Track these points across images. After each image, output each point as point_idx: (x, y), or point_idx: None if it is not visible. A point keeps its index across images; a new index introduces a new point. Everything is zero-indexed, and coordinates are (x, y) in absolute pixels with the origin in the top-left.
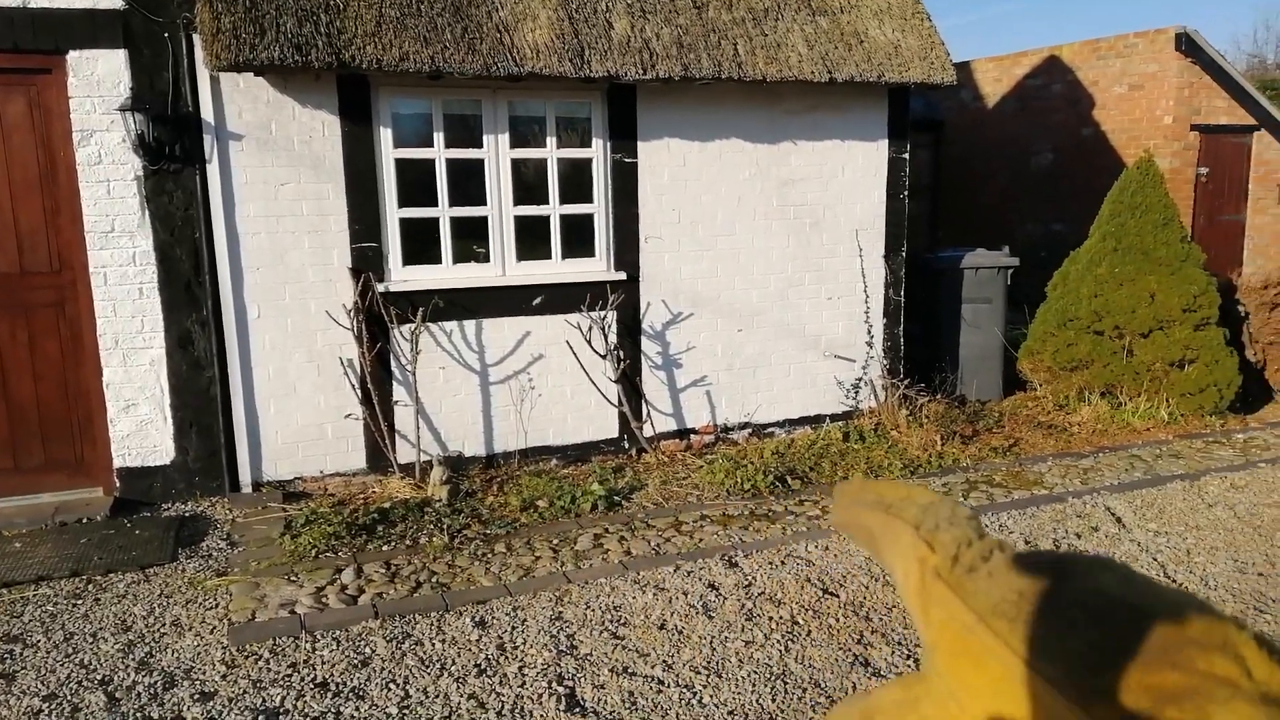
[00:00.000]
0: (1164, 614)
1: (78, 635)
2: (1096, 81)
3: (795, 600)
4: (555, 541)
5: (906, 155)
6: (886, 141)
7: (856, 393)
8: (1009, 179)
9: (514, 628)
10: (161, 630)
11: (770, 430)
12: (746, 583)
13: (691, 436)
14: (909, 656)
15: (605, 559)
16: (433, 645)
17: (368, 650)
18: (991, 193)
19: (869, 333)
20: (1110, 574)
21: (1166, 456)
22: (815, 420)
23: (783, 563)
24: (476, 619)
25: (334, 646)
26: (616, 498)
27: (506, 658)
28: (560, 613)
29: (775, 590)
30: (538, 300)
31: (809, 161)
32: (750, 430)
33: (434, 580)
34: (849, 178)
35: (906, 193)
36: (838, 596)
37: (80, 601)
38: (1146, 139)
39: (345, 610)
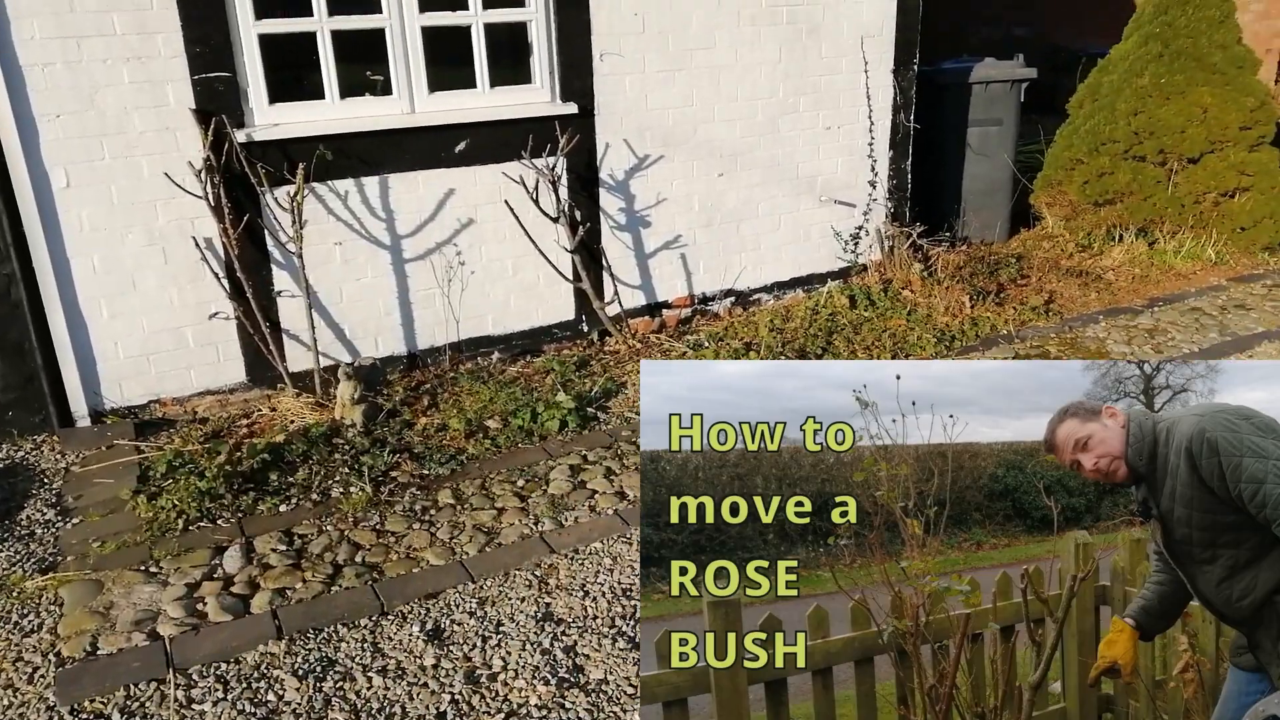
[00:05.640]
0: None
1: None
2: None
3: None
4: (520, 483)
5: None
6: None
7: (856, 244)
8: None
9: (485, 638)
10: None
11: (756, 297)
12: None
13: (664, 312)
14: None
15: (594, 508)
16: (369, 683)
17: (272, 699)
18: None
19: (872, 169)
20: None
21: (1232, 308)
22: (808, 282)
23: None
24: (428, 627)
25: (219, 695)
26: (590, 408)
27: (484, 698)
28: (549, 606)
29: None
30: (461, 146)
31: None
32: (734, 299)
33: (359, 559)
34: None
35: None
36: None
37: None
38: None
39: (232, 625)
